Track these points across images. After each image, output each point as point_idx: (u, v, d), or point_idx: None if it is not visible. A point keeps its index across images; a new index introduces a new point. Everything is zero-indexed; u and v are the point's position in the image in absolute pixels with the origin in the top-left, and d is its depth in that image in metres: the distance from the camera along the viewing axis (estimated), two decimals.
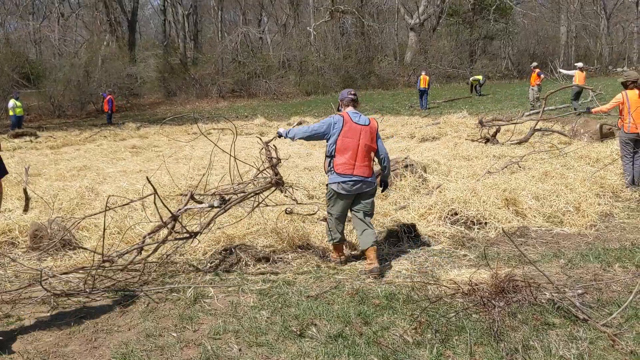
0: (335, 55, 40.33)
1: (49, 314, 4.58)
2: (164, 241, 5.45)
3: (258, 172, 5.94)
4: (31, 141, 18.88)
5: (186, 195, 5.68)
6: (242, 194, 5.68)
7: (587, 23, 47.06)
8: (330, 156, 5.40)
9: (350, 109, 5.48)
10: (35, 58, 37.75)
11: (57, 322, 4.43)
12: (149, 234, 5.46)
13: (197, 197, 5.76)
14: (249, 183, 5.94)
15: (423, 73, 25.00)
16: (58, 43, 40.71)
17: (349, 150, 5.28)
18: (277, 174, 5.77)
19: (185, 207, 5.50)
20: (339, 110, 5.67)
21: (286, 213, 6.27)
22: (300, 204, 6.68)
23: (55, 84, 30.73)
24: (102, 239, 5.43)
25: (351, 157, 5.28)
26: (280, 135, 5.79)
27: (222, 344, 3.89)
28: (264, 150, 5.91)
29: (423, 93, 24.52)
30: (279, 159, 5.90)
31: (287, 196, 6.15)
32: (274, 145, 5.97)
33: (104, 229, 5.57)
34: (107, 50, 35.77)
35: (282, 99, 34.44)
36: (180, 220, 5.47)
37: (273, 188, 5.81)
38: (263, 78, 36.26)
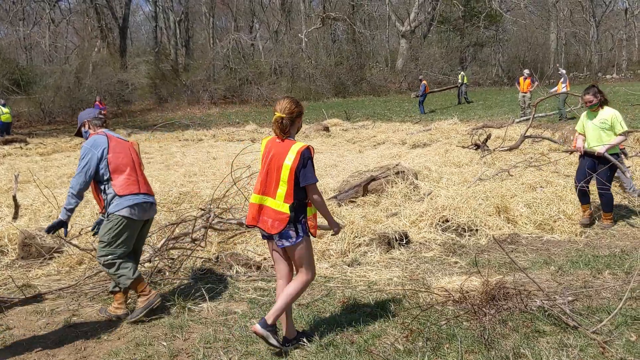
0: (326, 62, 40.45)
1: (38, 323, 4.54)
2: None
3: None
4: (21, 148, 18.76)
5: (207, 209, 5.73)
6: None
7: (576, 30, 47.54)
8: (105, 182, 4.46)
9: (106, 130, 4.71)
10: (26, 64, 37.56)
11: (45, 331, 4.40)
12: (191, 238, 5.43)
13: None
14: None
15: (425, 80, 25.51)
16: (49, 49, 40.59)
17: (126, 166, 4.53)
18: None
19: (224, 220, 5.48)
20: (80, 134, 4.83)
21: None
22: None
23: (46, 90, 30.62)
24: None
25: (130, 173, 4.53)
26: (59, 225, 4.43)
27: (212, 353, 3.87)
28: None
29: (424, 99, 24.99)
30: None
31: None
32: None
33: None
34: (98, 56, 35.67)
35: (274, 106, 34.45)
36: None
37: None
38: (255, 84, 36.27)
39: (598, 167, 6.73)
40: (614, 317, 4.06)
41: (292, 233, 3.70)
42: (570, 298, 4.46)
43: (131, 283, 4.47)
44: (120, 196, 4.40)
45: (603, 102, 6.76)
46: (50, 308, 4.87)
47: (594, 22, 45.74)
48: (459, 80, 27.75)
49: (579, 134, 7.01)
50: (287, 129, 3.80)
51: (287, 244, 3.72)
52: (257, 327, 3.70)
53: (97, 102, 25.50)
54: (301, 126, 4.01)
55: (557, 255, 5.89)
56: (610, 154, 6.69)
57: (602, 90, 6.82)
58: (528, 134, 12.28)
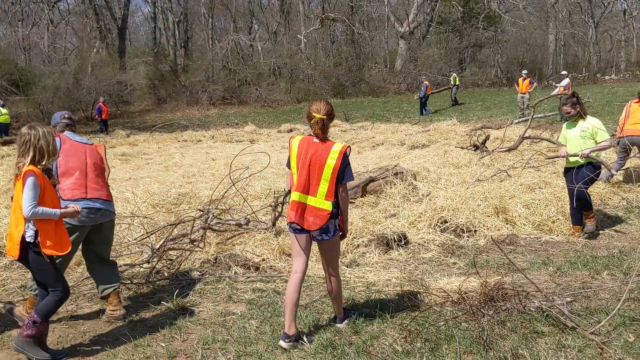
0: (325, 63, 40.43)
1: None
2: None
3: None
4: None
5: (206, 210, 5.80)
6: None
7: (575, 31, 47.57)
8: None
9: (70, 134, 4.66)
10: (24, 65, 37.49)
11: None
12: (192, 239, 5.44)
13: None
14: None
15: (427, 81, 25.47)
16: (47, 50, 40.56)
17: (75, 170, 4.44)
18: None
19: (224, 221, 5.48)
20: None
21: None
22: None
23: (45, 91, 30.54)
24: None
25: (78, 177, 4.44)
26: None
27: (211, 354, 3.87)
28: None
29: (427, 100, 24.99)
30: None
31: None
32: None
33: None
34: (97, 57, 35.61)
35: (273, 106, 34.45)
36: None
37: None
38: (254, 85, 36.24)
39: (578, 174, 6.49)
40: (612, 318, 4.06)
41: (331, 228, 3.94)
42: (568, 299, 4.46)
43: None
44: (65, 200, 4.30)
45: (582, 113, 6.60)
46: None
47: (592, 23, 45.77)
48: (451, 82, 27.61)
49: (562, 145, 6.88)
50: (327, 129, 4.00)
51: (326, 237, 3.96)
52: (340, 325, 4.19)
53: (100, 104, 25.32)
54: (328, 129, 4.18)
55: (556, 256, 5.89)
56: (589, 163, 6.52)
57: (580, 102, 6.64)
58: (527, 134, 12.28)
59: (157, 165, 13.87)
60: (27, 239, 3.66)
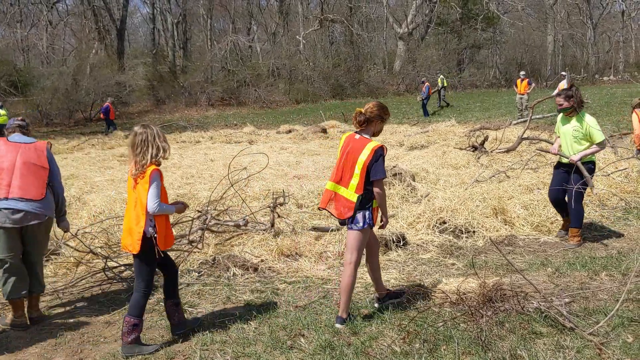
0: (324, 64, 40.45)
1: (35, 325, 4.53)
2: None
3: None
4: None
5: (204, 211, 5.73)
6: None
7: (573, 32, 47.66)
8: None
9: (15, 136, 4.62)
10: (23, 66, 37.46)
11: (42, 333, 4.39)
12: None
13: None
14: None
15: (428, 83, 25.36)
16: (46, 51, 40.55)
17: (2, 170, 4.40)
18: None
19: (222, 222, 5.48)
20: None
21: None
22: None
23: (43, 92, 30.52)
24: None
25: (3, 177, 4.39)
26: None
27: (209, 355, 3.86)
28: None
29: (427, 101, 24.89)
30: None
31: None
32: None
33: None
34: (96, 58, 35.59)
35: (272, 107, 34.45)
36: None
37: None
38: (252, 86, 36.24)
39: (571, 178, 6.14)
40: (610, 319, 4.06)
41: (360, 219, 4.15)
42: (567, 300, 4.46)
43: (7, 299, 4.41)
44: None
45: (577, 107, 6.14)
46: (46, 310, 4.86)
47: (591, 24, 45.87)
48: (439, 84, 27.20)
49: (557, 136, 6.54)
50: (362, 124, 4.28)
51: (355, 228, 4.18)
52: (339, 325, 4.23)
53: (108, 104, 25.00)
54: (380, 131, 4.41)
55: (554, 257, 5.90)
56: (585, 163, 6.14)
57: (575, 94, 6.15)
58: (525, 135, 12.28)
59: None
60: (149, 235, 3.86)
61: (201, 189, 9.44)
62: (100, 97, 30.73)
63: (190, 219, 6.67)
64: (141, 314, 3.96)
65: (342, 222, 4.33)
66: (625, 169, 9.19)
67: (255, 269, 5.68)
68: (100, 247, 6.13)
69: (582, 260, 5.65)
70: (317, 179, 10.39)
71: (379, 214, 4.33)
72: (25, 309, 4.56)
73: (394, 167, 9.26)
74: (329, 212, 4.32)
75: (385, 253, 6.13)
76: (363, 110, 4.27)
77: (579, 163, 6.12)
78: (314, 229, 6.77)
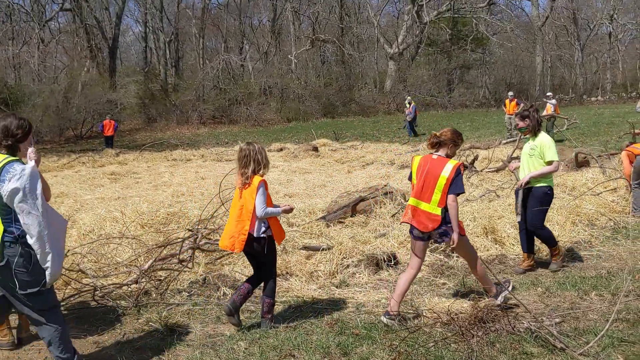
0: (316, 83, 40.71)
1: (22, 345, 4.47)
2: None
3: None
4: None
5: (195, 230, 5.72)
6: None
7: (561, 53, 48.34)
8: None
9: None
10: (14, 83, 37.36)
11: (29, 353, 4.33)
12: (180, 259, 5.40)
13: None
14: None
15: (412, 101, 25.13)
16: (38, 69, 40.47)
17: None
18: None
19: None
20: None
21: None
22: None
23: (34, 109, 30.40)
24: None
25: None
26: None
27: None
28: None
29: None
30: None
31: None
32: None
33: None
34: (87, 76, 35.56)
35: (263, 126, 34.54)
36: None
37: None
38: (244, 105, 36.32)
39: (528, 201, 6.03)
40: (601, 339, 4.07)
41: (449, 232, 4.60)
42: (557, 319, 4.47)
43: None
44: None
45: (534, 128, 6.01)
46: (35, 329, 4.80)
47: (578, 46, 46.55)
48: (407, 105, 25.56)
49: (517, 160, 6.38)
50: (434, 145, 4.80)
51: (446, 239, 4.65)
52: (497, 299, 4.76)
53: (109, 121, 24.71)
54: (453, 155, 4.85)
55: (544, 277, 5.91)
56: (540, 186, 5.96)
57: (531, 115, 6.02)
58: (515, 155, 12.40)
59: (146, 185, 13.81)
60: (261, 235, 4.50)
61: (192, 208, 9.39)
62: (92, 115, 30.66)
63: (180, 239, 6.63)
64: (274, 295, 4.71)
65: (422, 237, 4.72)
66: (614, 188, 9.28)
67: None
68: (90, 267, 6.08)
69: (572, 280, 5.67)
70: (308, 197, 10.39)
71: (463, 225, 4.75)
72: (15, 330, 4.51)
73: (385, 185, 9.29)
74: (411, 225, 4.74)
75: (376, 272, 6.12)
76: (438, 134, 4.76)
77: (521, 188, 6.00)
78: (305, 248, 6.75)
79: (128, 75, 41.05)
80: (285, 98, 38.65)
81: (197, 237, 6.52)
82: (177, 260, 6.11)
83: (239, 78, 42.32)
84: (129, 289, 5.61)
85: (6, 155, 3.60)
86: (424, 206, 4.66)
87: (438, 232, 4.64)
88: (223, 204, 7.20)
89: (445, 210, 4.58)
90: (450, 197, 4.55)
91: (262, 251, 4.55)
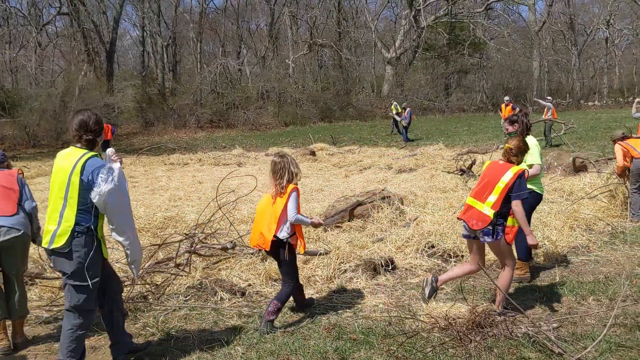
0: (313, 87, 40.76)
1: (19, 350, 4.45)
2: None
3: None
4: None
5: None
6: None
7: (558, 58, 48.51)
8: None
9: None
10: (11, 87, 37.30)
11: (26, 359, 4.30)
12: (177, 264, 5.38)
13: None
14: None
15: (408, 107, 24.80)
16: (35, 72, 40.42)
17: None
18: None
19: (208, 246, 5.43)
20: None
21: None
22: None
23: (31, 113, 30.34)
24: None
25: None
26: None
27: None
28: None
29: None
30: None
31: None
32: None
33: None
34: (85, 80, 35.52)
35: (261, 130, 34.54)
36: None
37: None
38: (241, 109, 36.34)
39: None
40: (598, 344, 4.06)
41: (491, 232, 4.73)
42: (555, 324, 4.47)
43: None
44: None
45: (522, 132, 5.93)
46: (31, 334, 4.77)
47: (575, 51, 46.71)
48: (392, 110, 25.40)
49: None
50: (510, 157, 4.95)
51: (488, 239, 4.77)
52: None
53: (106, 125, 24.76)
54: (520, 163, 5.00)
55: (542, 282, 5.91)
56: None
57: (520, 119, 5.99)
58: None
59: (143, 189, 13.78)
60: (282, 237, 4.72)
61: (189, 212, 9.39)
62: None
63: (177, 242, 6.61)
64: (285, 302, 4.83)
65: (468, 235, 4.92)
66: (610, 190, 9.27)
67: (243, 294, 5.63)
68: None
69: (570, 285, 5.66)
70: (306, 202, 10.37)
71: (511, 231, 4.81)
72: (10, 335, 4.49)
73: (382, 190, 9.28)
74: (464, 222, 4.91)
75: (373, 277, 6.11)
76: (512, 146, 4.93)
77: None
78: (303, 252, 6.73)
79: (125, 79, 41.00)
80: (282, 102, 38.68)
81: (194, 242, 6.50)
82: (174, 264, 6.09)
83: (237, 82, 42.36)
84: (124, 293, 5.57)
85: (85, 150, 3.79)
86: (478, 205, 4.84)
87: (482, 231, 4.77)
88: (220, 208, 7.18)
89: (497, 214, 4.70)
90: (514, 202, 4.68)
91: (283, 256, 4.75)
